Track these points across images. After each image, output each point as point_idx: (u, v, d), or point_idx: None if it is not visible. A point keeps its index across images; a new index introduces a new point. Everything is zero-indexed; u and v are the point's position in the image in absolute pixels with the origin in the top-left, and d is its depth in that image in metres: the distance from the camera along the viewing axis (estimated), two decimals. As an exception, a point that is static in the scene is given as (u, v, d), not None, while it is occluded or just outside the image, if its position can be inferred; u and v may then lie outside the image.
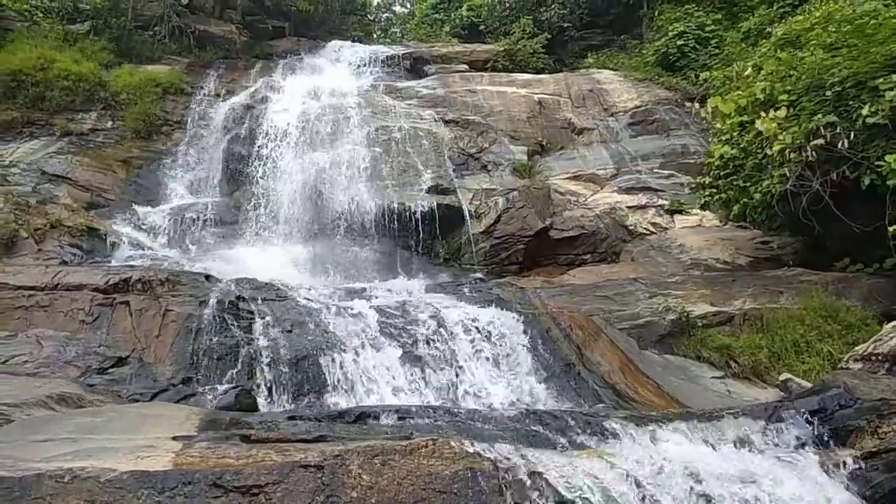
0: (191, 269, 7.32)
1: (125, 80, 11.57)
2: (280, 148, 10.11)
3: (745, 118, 7.63)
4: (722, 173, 7.87)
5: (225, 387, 5.17)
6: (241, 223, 9.35)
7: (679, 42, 12.52)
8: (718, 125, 8.12)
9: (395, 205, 9.19)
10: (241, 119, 10.80)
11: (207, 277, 6.55)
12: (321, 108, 10.78)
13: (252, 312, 5.93)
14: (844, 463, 3.31)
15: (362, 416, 3.80)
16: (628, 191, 9.74)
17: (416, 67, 13.54)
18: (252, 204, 9.59)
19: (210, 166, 10.29)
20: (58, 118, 10.88)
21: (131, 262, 7.71)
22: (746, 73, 8.37)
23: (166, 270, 6.62)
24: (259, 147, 10.19)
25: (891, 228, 6.24)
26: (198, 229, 9.21)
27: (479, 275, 8.80)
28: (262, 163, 9.98)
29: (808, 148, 6.70)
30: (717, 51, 12.06)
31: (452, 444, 3.18)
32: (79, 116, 11.09)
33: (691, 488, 2.93)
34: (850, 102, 6.73)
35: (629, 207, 9.48)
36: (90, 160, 10.35)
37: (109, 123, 11.17)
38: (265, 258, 8.61)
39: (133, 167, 10.42)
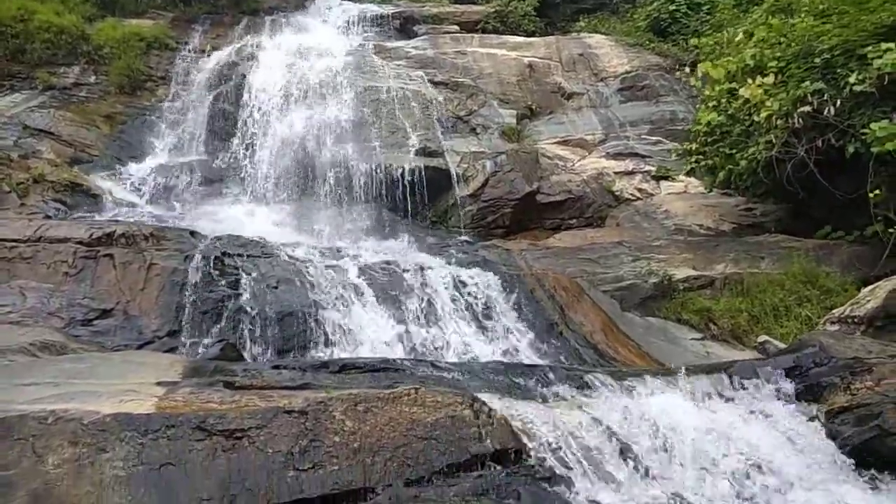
0: (176, 225, 7.28)
1: (108, 34, 11.30)
2: (266, 106, 9.97)
3: (734, 85, 7.63)
4: (708, 140, 7.90)
5: (210, 340, 5.21)
6: (226, 181, 9.26)
7: (671, 7, 12.40)
8: (707, 92, 8.11)
9: (383, 166, 9.13)
10: (227, 76, 10.61)
11: (192, 233, 6.52)
12: (308, 67, 10.61)
13: (237, 268, 5.92)
14: (816, 416, 3.41)
15: (346, 367, 3.83)
16: (616, 156, 9.74)
17: (405, 27, 13.32)
18: (238, 162, 9.49)
19: (195, 123, 10.13)
20: (39, 71, 10.63)
21: (116, 218, 7.64)
22: (737, 39, 8.35)
23: (150, 225, 6.59)
24: (245, 105, 10.04)
25: (872, 196, 6.32)
26: (183, 187, 9.12)
27: (465, 237, 8.81)
28: (248, 121, 9.85)
29: (795, 115, 6.73)
30: (708, 16, 11.96)
31: (434, 392, 3.24)
32: (61, 70, 10.84)
33: (665, 436, 3.00)
34: (838, 70, 6.75)
35: (616, 173, 9.49)
36: (73, 115, 10.16)
37: (93, 78, 10.93)
38: (251, 217, 8.58)
39: (117, 123, 10.24)
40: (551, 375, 3.80)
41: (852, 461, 3.11)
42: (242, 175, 9.26)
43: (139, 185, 9.01)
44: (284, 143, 9.44)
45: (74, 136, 9.80)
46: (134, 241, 5.99)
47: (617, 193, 9.30)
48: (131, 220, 7.50)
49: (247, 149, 9.56)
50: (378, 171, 9.08)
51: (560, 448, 2.96)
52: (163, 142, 10.13)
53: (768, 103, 6.88)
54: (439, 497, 2.76)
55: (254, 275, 5.86)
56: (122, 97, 10.74)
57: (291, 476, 2.82)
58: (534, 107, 10.86)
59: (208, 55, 11.37)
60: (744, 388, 3.65)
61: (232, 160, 9.53)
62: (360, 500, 2.77)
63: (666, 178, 9.30)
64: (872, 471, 3.04)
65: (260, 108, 9.94)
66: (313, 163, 9.20)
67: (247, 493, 2.73)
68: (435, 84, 10.73)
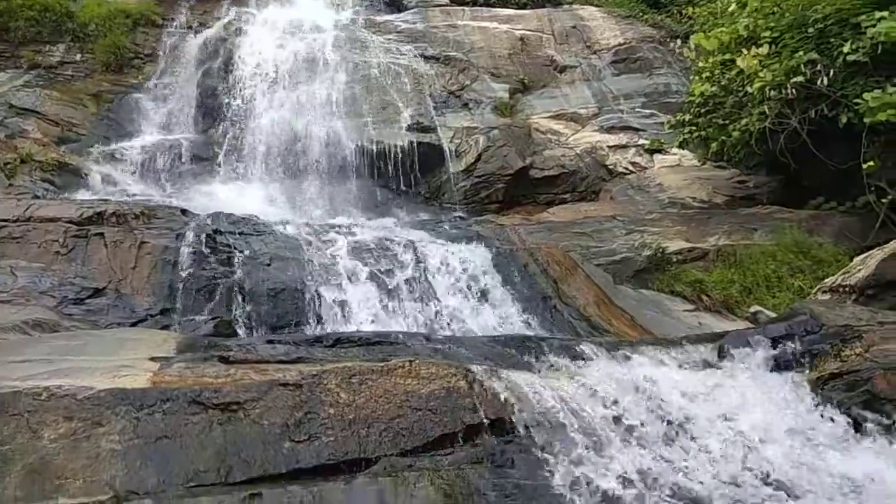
0: (166, 204, 7.23)
1: (93, 11, 11.11)
2: (255, 83, 9.87)
3: (727, 56, 7.59)
4: (702, 111, 7.88)
5: (204, 317, 5.20)
6: (216, 160, 9.18)
7: (665, -24, 12.29)
8: (701, 63, 8.06)
9: (375, 142, 9.08)
10: (215, 53, 10.47)
11: (183, 212, 6.48)
12: (298, 42, 10.49)
13: (230, 246, 5.89)
14: (807, 383, 3.44)
15: (340, 341, 3.84)
16: (609, 130, 9.70)
17: (395, 0, 13.16)
18: (228, 140, 9.40)
19: (183, 101, 10.02)
20: (24, 50, 10.48)
21: (106, 198, 7.58)
22: (731, 9, 8.29)
23: (141, 204, 6.54)
24: (233, 82, 9.94)
25: (865, 166, 6.33)
26: (173, 166, 9.04)
27: (459, 213, 8.81)
28: (238, 98, 9.75)
29: (788, 86, 6.71)
30: (702, -14, 11.84)
31: (429, 364, 3.25)
32: (46, 48, 10.67)
33: (656, 404, 3.03)
34: (832, 40, 6.72)
35: (610, 147, 9.46)
36: (59, 94, 10.04)
37: (78, 56, 10.78)
38: (242, 195, 8.52)
39: (104, 101, 10.11)
40: (545, 346, 3.82)
41: (841, 425, 3.15)
42: (232, 153, 9.19)
43: (128, 164, 8.92)
44: (274, 120, 9.36)
45: (61, 115, 9.69)
46: (124, 219, 5.95)
47: (610, 167, 9.28)
48: (121, 199, 7.44)
49: (236, 126, 9.48)
50: (370, 147, 9.02)
51: (553, 416, 2.98)
52: (151, 120, 10.02)
53: (762, 74, 6.85)
54: (434, 465, 2.78)
55: (246, 252, 5.84)
56: (109, 75, 10.60)
57: (287, 447, 2.83)
58: (526, 81, 10.78)
59: (196, 31, 11.21)
60: (735, 357, 3.68)
61: (221, 138, 9.44)
62: (356, 469, 2.78)
63: (659, 151, 9.28)
64: (860, 435, 3.07)
65: (249, 85, 9.84)
66: (304, 139, 9.13)
67: (243, 465, 2.74)
68: (426, 58, 10.63)
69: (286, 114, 9.42)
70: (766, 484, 2.75)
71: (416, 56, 10.63)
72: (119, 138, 9.48)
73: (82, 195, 7.80)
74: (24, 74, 10.19)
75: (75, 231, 5.63)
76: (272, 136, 9.31)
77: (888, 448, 3.02)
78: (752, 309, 5.75)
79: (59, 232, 5.58)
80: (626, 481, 2.67)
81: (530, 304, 5.92)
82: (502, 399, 3.09)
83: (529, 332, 5.39)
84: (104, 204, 6.28)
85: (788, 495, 2.70)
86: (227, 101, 9.79)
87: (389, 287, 5.80)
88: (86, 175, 8.41)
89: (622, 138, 9.55)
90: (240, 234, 6.12)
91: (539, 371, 3.50)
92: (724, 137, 7.54)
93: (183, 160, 9.10)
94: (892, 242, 5.09)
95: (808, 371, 3.64)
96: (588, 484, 2.67)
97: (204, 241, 5.80)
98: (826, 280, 5.41)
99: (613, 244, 7.14)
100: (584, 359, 3.61)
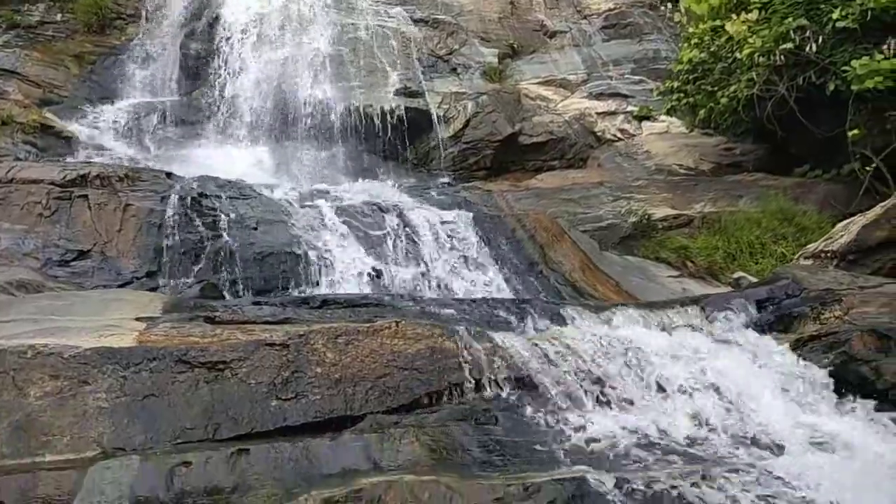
0: (151, 167, 7.16)
1: (73, -31, 10.81)
2: (240, 45, 9.67)
3: (717, 22, 7.54)
4: (690, 78, 7.85)
5: (190, 280, 5.19)
6: (202, 123, 9.05)
7: (656, -60, 12.09)
8: (691, 29, 8.01)
9: (362, 107, 8.98)
10: (198, 13, 10.24)
11: (168, 174, 6.40)
12: (283, 4, 10.27)
13: (215, 209, 5.85)
14: (786, 345, 3.51)
15: (327, 302, 3.86)
16: (598, 96, 9.64)
17: (383, -37, 12.89)
18: (213, 104, 9.26)
19: (167, 63, 9.82)
20: (2, 9, 10.18)
21: (89, 160, 7.48)
22: (722, -27, 8.19)
23: (125, 167, 6.45)
24: (218, 44, 9.73)
25: (850, 134, 6.37)
26: (157, 129, 8.91)
27: (447, 179, 8.78)
28: (222, 60, 9.56)
29: (777, 52, 6.69)
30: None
31: (415, 325, 3.28)
32: (25, 8, 10.37)
33: (637, 364, 3.09)
34: (822, 6, 6.69)
35: (598, 114, 9.42)
36: (40, 55, 9.81)
37: (59, 16, 10.50)
38: (228, 159, 8.41)
39: (86, 63, 9.89)
40: (529, 309, 3.86)
41: (820, 385, 3.22)
42: (218, 116, 9.06)
43: (112, 126, 8.78)
44: (260, 83, 9.22)
45: (42, 76, 9.48)
46: (109, 182, 5.88)
47: (599, 134, 9.26)
48: (105, 161, 7.35)
49: (221, 89, 9.32)
50: (357, 111, 8.93)
51: (537, 375, 3.03)
52: (134, 82, 9.83)
53: (751, 40, 6.82)
54: (420, 422, 2.83)
55: (232, 216, 5.80)
56: (91, 36, 10.35)
57: (275, 405, 2.87)
58: (515, 45, 10.66)
59: (179, -9, 10.94)
60: (716, 319, 3.74)
61: (206, 101, 9.29)
62: (344, 427, 2.82)
63: (648, 118, 9.26)
64: (837, 394, 3.15)
65: (234, 47, 9.64)
66: (290, 103, 9.01)
67: (230, 422, 2.77)
68: (414, 21, 10.46)
69: (272, 76, 9.28)
70: (746, 439, 2.82)
71: (404, 19, 10.47)
72: (102, 100, 9.31)
73: (66, 157, 7.69)
74: (2, 35, 9.93)
75: (59, 193, 5.56)
76: (258, 99, 9.18)
77: (865, 408, 3.09)
78: (736, 275, 5.82)
79: (41, 194, 5.51)
80: (606, 432, 2.73)
81: (517, 269, 5.96)
82: (487, 359, 3.13)
83: (515, 296, 5.43)
84: (88, 166, 6.20)
85: (769, 450, 2.77)
86: (211, 63, 9.61)
87: (376, 252, 5.81)
88: (68, 137, 8.27)
89: (611, 105, 9.51)
90: (226, 197, 6.07)
91: (523, 332, 3.54)
92: (711, 104, 7.54)
93: (167, 123, 8.96)
94: (874, 209, 5.15)
95: (788, 333, 3.71)
96: (569, 438, 2.73)
97: (189, 204, 5.75)
98: (809, 246, 5.48)
99: (600, 211, 7.17)
100: (567, 320, 3.66)
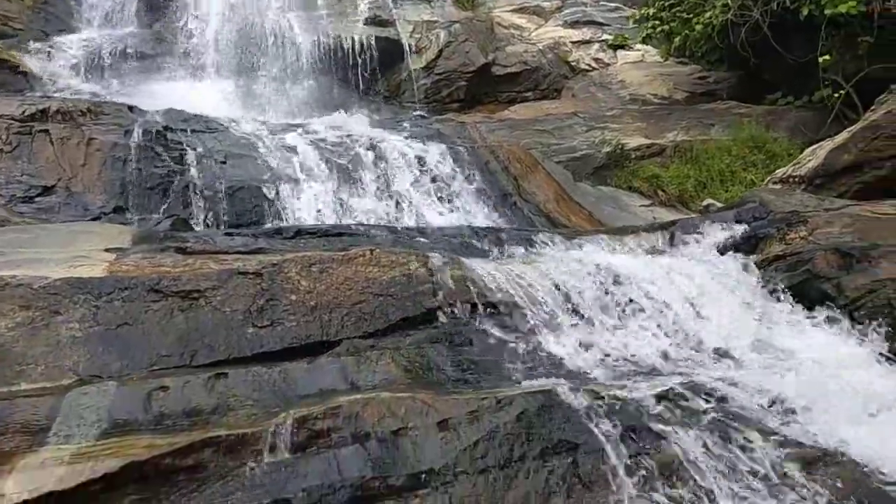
0: (113, 101, 6.92)
1: None
2: (202, -27, 9.26)
3: (694, -56, 7.39)
4: (666, 4, 7.74)
5: (159, 216, 5.12)
6: (164, 56, 8.72)
7: None
8: (668, -47, 7.84)
9: (331, 37, 8.71)
10: (157, -62, 9.73)
11: (131, 108, 6.19)
12: (246, -72, 9.78)
13: (182, 143, 5.72)
14: (752, 264, 3.60)
15: (300, 233, 3.84)
16: (573, 24, 9.47)
17: None
18: (175, 36, 8.91)
19: (126, -8, 9.39)
20: (-57, -66, 9.58)
21: (49, 95, 7.21)
22: None
23: (87, 101, 6.24)
24: (178, -29, 9.30)
25: (821, 59, 6.37)
26: (118, 63, 8.56)
27: (420, 112, 8.62)
28: (184, -11, 9.16)
29: (753, -24, 6.60)
30: None
31: (389, 253, 3.29)
32: (-31, -67, 9.78)
33: (608, 287, 3.16)
34: (799, -72, 6.56)
35: (573, 42, 9.27)
36: (-11, -16, 9.28)
37: (6, -58, 9.91)
38: (193, 93, 8.14)
39: (39, -8, 9.41)
40: (503, 236, 3.90)
41: (785, 302, 3.34)
42: (180, 48, 8.72)
43: (70, 60, 8.42)
44: (223, 12, 8.88)
45: (-7, 7, 9.01)
46: (70, 116, 5.69)
47: (573, 64, 9.13)
48: (65, 96, 7.08)
49: (183, 20, 8.95)
50: (326, 42, 8.66)
51: (509, 298, 3.08)
52: (92, 14, 9.37)
53: (727, -36, 6.71)
54: (396, 345, 2.88)
55: (199, 150, 5.67)
56: (43, -37, 9.81)
57: (251, 332, 2.89)
58: (488, -29, 10.34)
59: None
60: (685, 242, 3.81)
61: (168, 33, 8.93)
62: (321, 352, 2.86)
63: (623, 47, 9.14)
64: (801, 308, 3.27)
65: (195, -26, 9.22)
66: (256, 33, 8.70)
67: (207, 349, 2.79)
68: (383, -55, 10.05)
69: (237, 7, 8.93)
70: (713, 354, 2.93)
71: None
72: (59, 33, 8.88)
73: (23, 92, 7.40)
74: (-54, -38, 9.37)
75: (18, 128, 5.37)
76: (222, 30, 8.84)
77: (830, 322, 3.22)
78: (705, 202, 5.91)
79: (1, 129, 5.33)
80: (576, 351, 2.81)
81: (490, 200, 5.97)
82: (460, 284, 3.17)
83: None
84: (47, 101, 5.98)
85: (733, 363, 2.89)
86: (171, -9, 9.20)
87: (350, 185, 5.76)
88: (25, 72, 7.94)
89: (586, 33, 9.35)
90: (192, 131, 5.92)
91: (496, 258, 3.58)
92: (687, 31, 7.47)
93: (128, 56, 8.61)
94: (841, 133, 5.21)
95: (754, 254, 3.81)
96: (541, 357, 2.81)
97: (154, 137, 5.61)
98: (777, 171, 5.55)
99: (574, 141, 7.16)
100: (540, 247, 3.70)
